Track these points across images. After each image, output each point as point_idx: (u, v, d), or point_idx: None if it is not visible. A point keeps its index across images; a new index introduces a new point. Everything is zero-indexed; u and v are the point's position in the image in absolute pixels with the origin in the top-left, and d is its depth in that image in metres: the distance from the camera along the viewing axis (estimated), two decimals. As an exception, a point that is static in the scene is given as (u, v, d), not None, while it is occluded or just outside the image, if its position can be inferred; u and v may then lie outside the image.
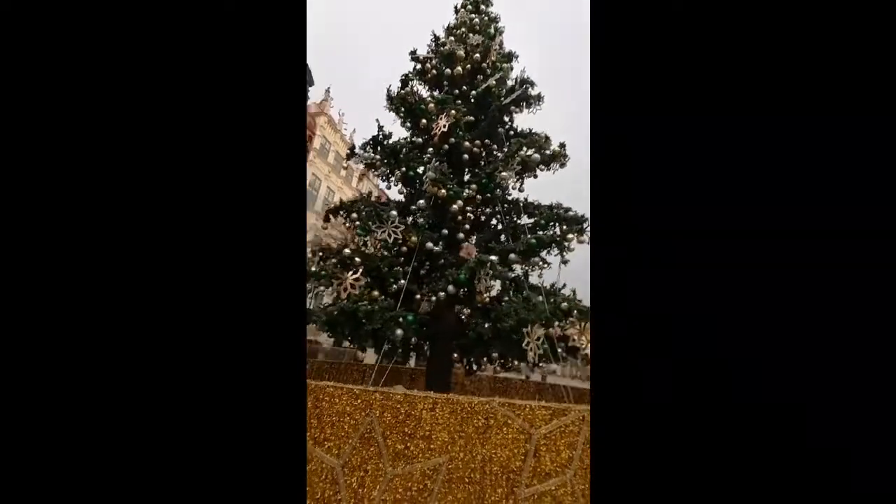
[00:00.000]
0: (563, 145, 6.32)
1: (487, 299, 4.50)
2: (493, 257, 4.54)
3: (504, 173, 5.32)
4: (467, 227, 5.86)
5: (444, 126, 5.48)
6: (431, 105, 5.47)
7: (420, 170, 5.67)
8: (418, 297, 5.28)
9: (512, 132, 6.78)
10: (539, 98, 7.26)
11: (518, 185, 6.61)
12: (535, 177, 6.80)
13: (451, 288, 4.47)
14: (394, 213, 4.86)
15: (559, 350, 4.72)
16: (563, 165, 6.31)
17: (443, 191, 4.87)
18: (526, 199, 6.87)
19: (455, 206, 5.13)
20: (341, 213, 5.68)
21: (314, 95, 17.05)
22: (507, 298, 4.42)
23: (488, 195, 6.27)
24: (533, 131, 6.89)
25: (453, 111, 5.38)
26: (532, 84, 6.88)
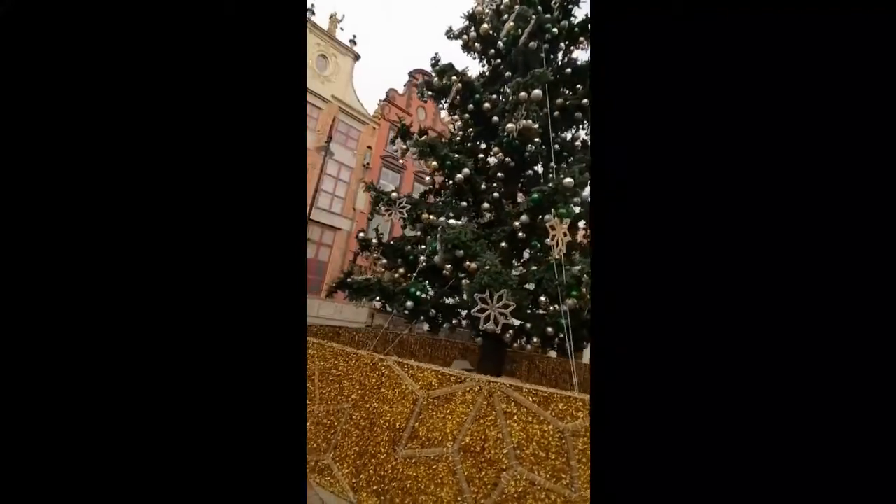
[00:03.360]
0: None
1: (473, 266, 4.21)
2: (451, 221, 4.18)
3: (509, 125, 4.71)
4: (495, 194, 5.44)
5: (457, 95, 5.35)
6: (435, 80, 5.43)
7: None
8: (444, 272, 5.41)
9: (556, 76, 5.69)
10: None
11: (563, 132, 5.52)
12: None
13: (436, 259, 4.47)
14: (394, 194, 5.18)
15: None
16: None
17: (433, 162, 4.83)
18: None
19: (460, 175, 4.95)
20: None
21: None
22: (486, 266, 4.00)
23: (524, 153, 5.60)
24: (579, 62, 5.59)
25: (454, 76, 5.18)
26: (572, 6, 5.54)
